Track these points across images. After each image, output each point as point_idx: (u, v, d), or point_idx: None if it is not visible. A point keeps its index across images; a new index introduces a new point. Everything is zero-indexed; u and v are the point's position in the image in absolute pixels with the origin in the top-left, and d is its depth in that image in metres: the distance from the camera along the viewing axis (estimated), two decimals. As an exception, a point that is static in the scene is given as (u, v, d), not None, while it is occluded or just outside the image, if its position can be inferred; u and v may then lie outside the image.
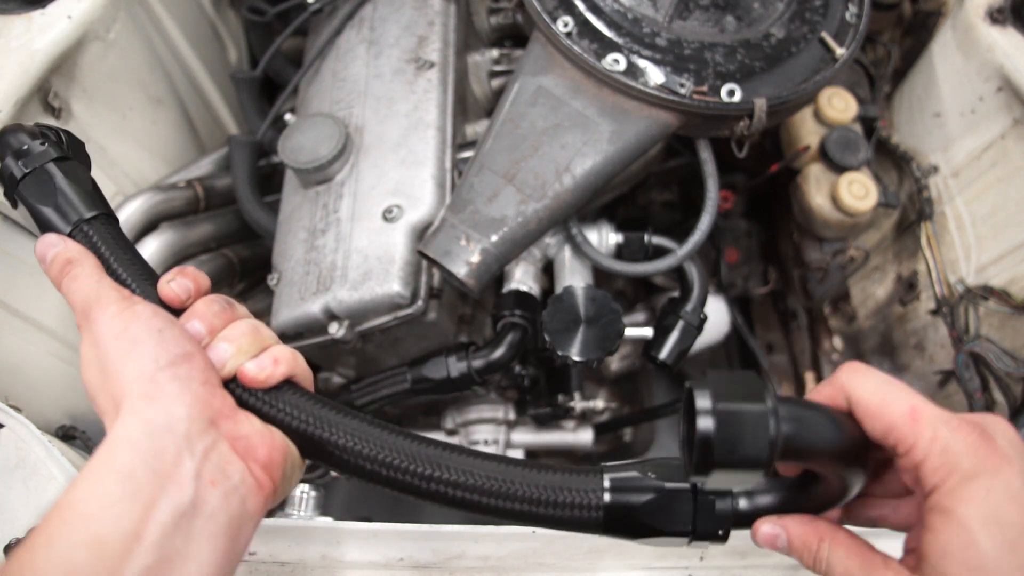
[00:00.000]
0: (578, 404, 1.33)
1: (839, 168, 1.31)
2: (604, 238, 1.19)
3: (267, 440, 0.60)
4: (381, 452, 0.60)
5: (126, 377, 0.56)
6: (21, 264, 1.11)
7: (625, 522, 0.59)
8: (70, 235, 0.65)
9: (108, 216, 0.67)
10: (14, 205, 0.67)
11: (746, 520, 0.61)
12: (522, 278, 1.15)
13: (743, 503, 0.61)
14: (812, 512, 0.60)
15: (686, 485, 0.60)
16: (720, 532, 0.60)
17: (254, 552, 0.86)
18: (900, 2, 1.46)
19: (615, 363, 1.49)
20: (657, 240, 1.17)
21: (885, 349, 1.54)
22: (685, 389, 0.54)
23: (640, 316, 1.43)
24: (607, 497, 0.59)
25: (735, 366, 1.80)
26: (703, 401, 0.51)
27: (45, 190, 0.65)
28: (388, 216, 1.06)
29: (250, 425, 0.60)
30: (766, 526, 0.59)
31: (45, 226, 0.66)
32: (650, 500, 0.59)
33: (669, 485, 0.59)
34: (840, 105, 1.35)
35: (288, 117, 1.37)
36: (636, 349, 1.50)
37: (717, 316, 1.49)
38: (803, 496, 0.60)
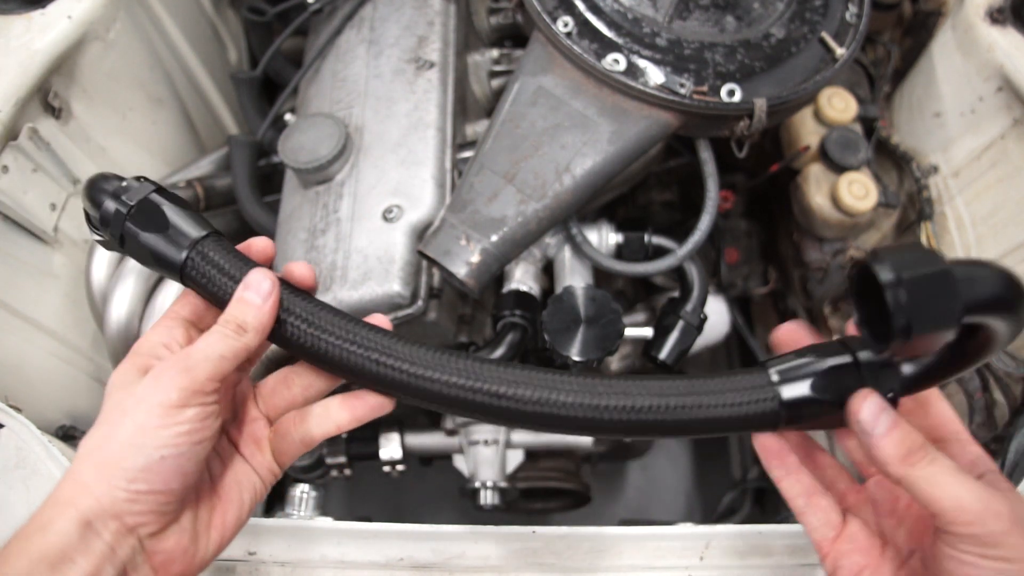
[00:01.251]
0: (578, 404, 1.32)
1: (839, 168, 1.31)
2: (604, 238, 1.19)
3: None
4: (579, 397, 0.62)
5: None
6: (21, 264, 1.11)
7: (802, 406, 0.60)
8: (187, 258, 0.66)
9: (216, 234, 0.69)
10: (120, 245, 0.68)
11: (911, 384, 0.61)
12: (522, 278, 1.15)
13: (907, 368, 0.60)
14: (967, 367, 0.60)
15: (848, 359, 0.59)
16: (890, 395, 0.60)
17: (254, 552, 0.86)
18: (900, 2, 1.46)
19: (615, 363, 1.49)
20: (657, 240, 1.17)
21: (885, 349, 1.54)
22: (857, 268, 0.54)
23: (640, 316, 1.43)
24: (782, 392, 0.60)
25: (735, 366, 1.80)
26: (887, 275, 0.50)
27: (156, 220, 0.66)
28: (388, 216, 1.06)
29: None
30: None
31: (159, 253, 0.67)
32: (818, 380, 0.59)
33: (832, 361, 0.60)
34: (840, 105, 1.35)
35: (288, 117, 1.37)
36: (636, 349, 1.49)
37: (717, 316, 1.49)
38: (959, 353, 0.60)
